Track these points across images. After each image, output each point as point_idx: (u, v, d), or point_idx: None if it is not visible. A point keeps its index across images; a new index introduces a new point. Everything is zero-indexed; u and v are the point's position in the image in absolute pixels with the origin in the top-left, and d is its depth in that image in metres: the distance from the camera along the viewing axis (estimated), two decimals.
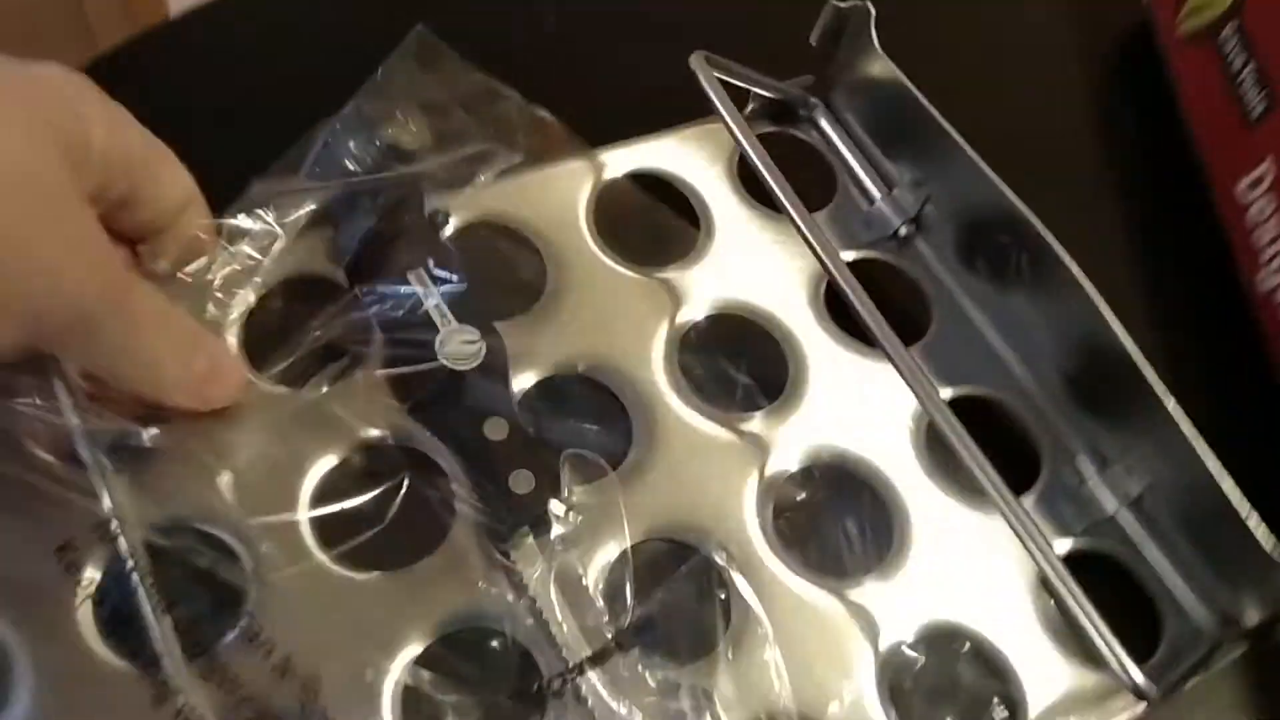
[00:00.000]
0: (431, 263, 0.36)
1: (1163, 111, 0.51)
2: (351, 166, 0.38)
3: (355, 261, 0.37)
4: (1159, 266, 0.48)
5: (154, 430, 0.33)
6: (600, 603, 0.33)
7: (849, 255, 0.43)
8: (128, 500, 0.32)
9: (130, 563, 0.30)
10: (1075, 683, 0.35)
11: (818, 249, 0.38)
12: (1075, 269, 0.38)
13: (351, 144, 0.39)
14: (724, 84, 0.42)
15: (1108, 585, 0.38)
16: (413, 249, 0.37)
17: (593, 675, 0.32)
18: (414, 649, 0.32)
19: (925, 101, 0.42)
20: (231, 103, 0.46)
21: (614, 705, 0.31)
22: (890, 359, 0.36)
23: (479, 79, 0.43)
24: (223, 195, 0.37)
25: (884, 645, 0.35)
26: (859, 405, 0.39)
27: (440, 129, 0.41)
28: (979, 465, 0.35)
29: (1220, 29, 0.47)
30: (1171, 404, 0.36)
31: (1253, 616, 0.36)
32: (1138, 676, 0.34)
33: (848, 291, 0.37)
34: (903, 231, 0.44)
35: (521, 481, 0.33)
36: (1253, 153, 0.44)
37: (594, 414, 0.38)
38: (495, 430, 0.34)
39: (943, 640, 0.36)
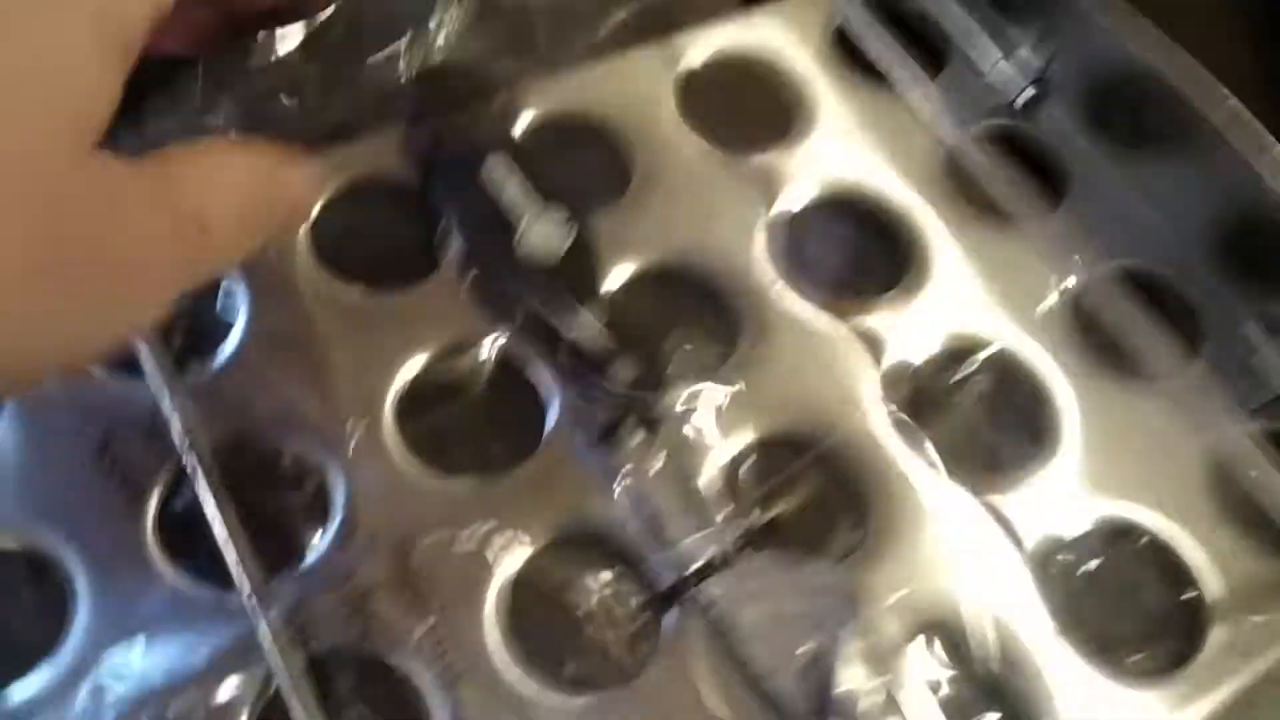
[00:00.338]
0: (507, 153, 0.33)
1: None
2: None
3: (428, 157, 0.34)
4: None
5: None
6: (718, 503, 0.29)
7: (969, 125, 0.39)
8: (199, 409, 0.29)
9: (198, 470, 0.28)
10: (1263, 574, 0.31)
11: (936, 117, 0.33)
12: (1224, 119, 0.33)
13: None
14: None
15: None
16: (488, 140, 0.33)
17: (715, 581, 0.28)
18: (517, 556, 0.29)
19: None
20: None
21: (742, 613, 0.28)
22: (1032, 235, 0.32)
23: None
24: None
25: (1033, 544, 0.31)
26: (988, 285, 0.35)
27: None
28: (1141, 335, 0.31)
29: None
30: None
31: None
32: None
33: (975, 159, 0.33)
34: (1026, 97, 0.39)
35: (624, 370, 0.30)
36: None
37: (694, 309, 0.34)
38: (590, 317, 0.31)
39: (1114, 535, 0.32)
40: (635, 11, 0.38)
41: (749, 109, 0.39)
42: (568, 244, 0.31)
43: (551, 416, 0.31)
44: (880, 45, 0.35)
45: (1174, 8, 0.40)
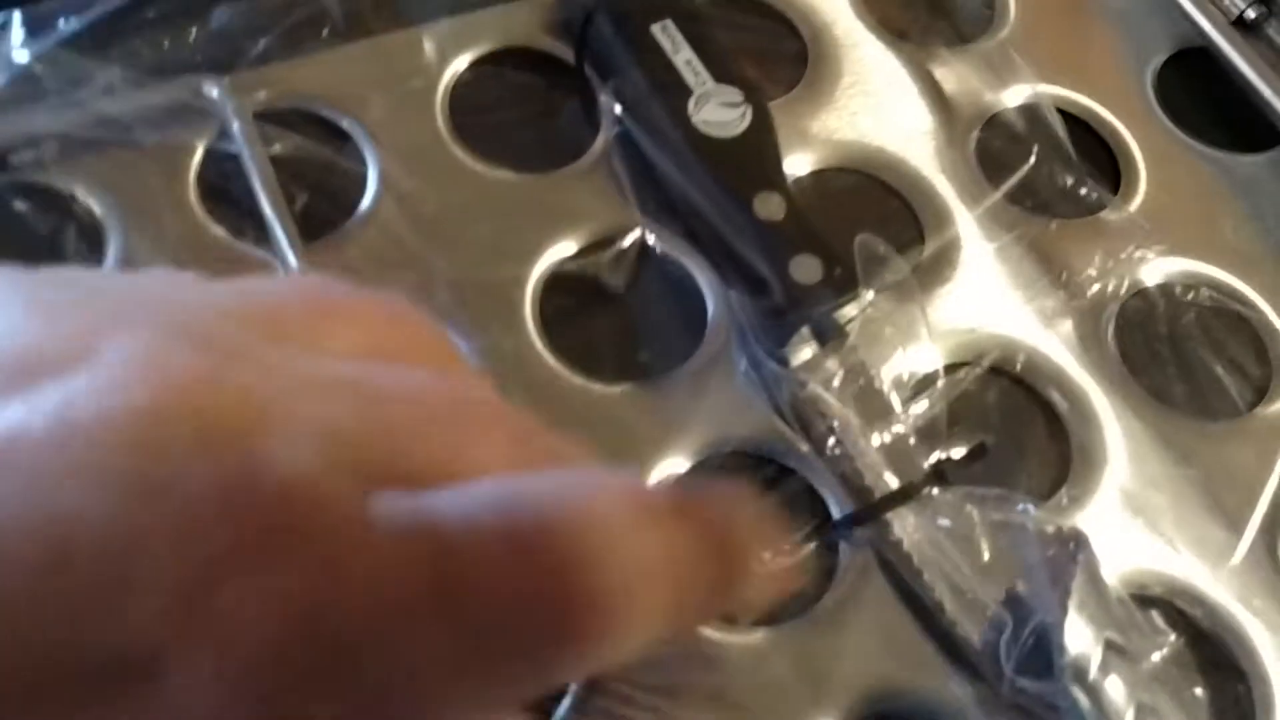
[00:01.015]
0: (668, 25, 0.29)
1: None
2: None
3: (582, 29, 0.30)
4: None
5: None
6: (906, 428, 0.25)
7: (1183, 43, 0.34)
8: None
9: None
10: None
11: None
12: None
13: None
14: None
15: None
16: (649, 10, 0.30)
17: (899, 514, 0.24)
18: (675, 467, 0.25)
19: None
20: None
21: (928, 552, 0.24)
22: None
23: None
24: None
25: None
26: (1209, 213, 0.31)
27: None
28: None
29: None
30: None
31: None
32: None
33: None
34: (1251, 14, 0.34)
35: (805, 269, 0.26)
36: None
37: (877, 209, 0.30)
38: (768, 208, 0.27)
39: None
40: None
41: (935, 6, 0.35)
42: (746, 124, 0.27)
43: (712, 319, 0.27)
44: None
45: None
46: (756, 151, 0.28)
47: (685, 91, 0.28)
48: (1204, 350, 0.29)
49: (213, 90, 0.28)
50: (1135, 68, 0.34)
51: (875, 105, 0.31)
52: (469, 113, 0.30)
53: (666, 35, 0.29)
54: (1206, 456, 0.27)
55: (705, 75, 0.28)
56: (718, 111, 0.28)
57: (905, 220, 0.30)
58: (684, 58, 0.28)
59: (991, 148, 0.32)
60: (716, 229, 0.27)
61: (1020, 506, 0.24)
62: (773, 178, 0.27)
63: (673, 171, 0.28)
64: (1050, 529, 0.23)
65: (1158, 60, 0.34)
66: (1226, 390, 0.28)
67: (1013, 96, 0.32)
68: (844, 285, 0.26)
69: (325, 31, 0.31)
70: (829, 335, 0.26)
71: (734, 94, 0.28)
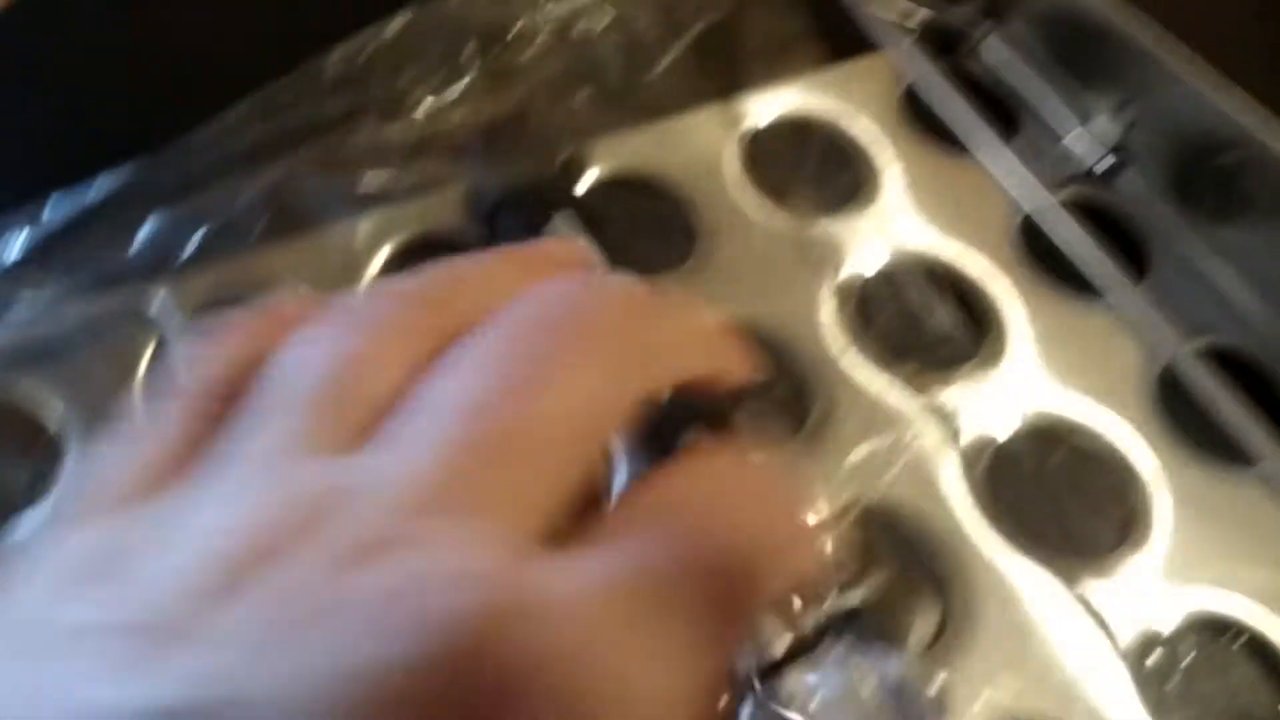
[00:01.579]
0: (568, 215, 0.32)
1: None
2: None
3: (489, 217, 0.33)
4: None
5: None
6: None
7: (1043, 196, 0.38)
8: None
9: None
10: None
11: (1011, 184, 0.32)
12: None
13: None
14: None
15: None
16: (549, 201, 0.32)
17: (791, 672, 0.27)
18: None
19: (1114, 7, 0.36)
20: None
21: (821, 705, 0.26)
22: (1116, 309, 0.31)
23: None
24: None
25: (1127, 638, 0.29)
26: (1069, 360, 0.34)
27: None
28: (1231, 415, 0.29)
29: None
30: None
31: None
32: None
33: (1054, 228, 0.32)
34: (1106, 164, 0.38)
35: (693, 440, 0.28)
36: None
37: (762, 378, 0.33)
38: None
39: (1209, 629, 0.30)
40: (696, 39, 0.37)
41: (815, 172, 0.38)
42: None
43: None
44: (953, 109, 0.34)
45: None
46: None
47: None
48: (1071, 494, 0.32)
49: (153, 301, 0.30)
50: (1008, 218, 0.37)
51: (759, 275, 0.34)
52: None
53: (567, 224, 0.32)
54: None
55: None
56: None
57: (787, 384, 0.33)
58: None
59: (869, 304, 0.35)
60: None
61: (894, 659, 0.26)
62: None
63: None
64: (914, 674, 0.26)
65: (1021, 216, 0.37)
66: (1096, 532, 0.31)
67: (884, 256, 0.36)
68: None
69: (258, 228, 0.33)
70: None
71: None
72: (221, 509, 0.15)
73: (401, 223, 0.34)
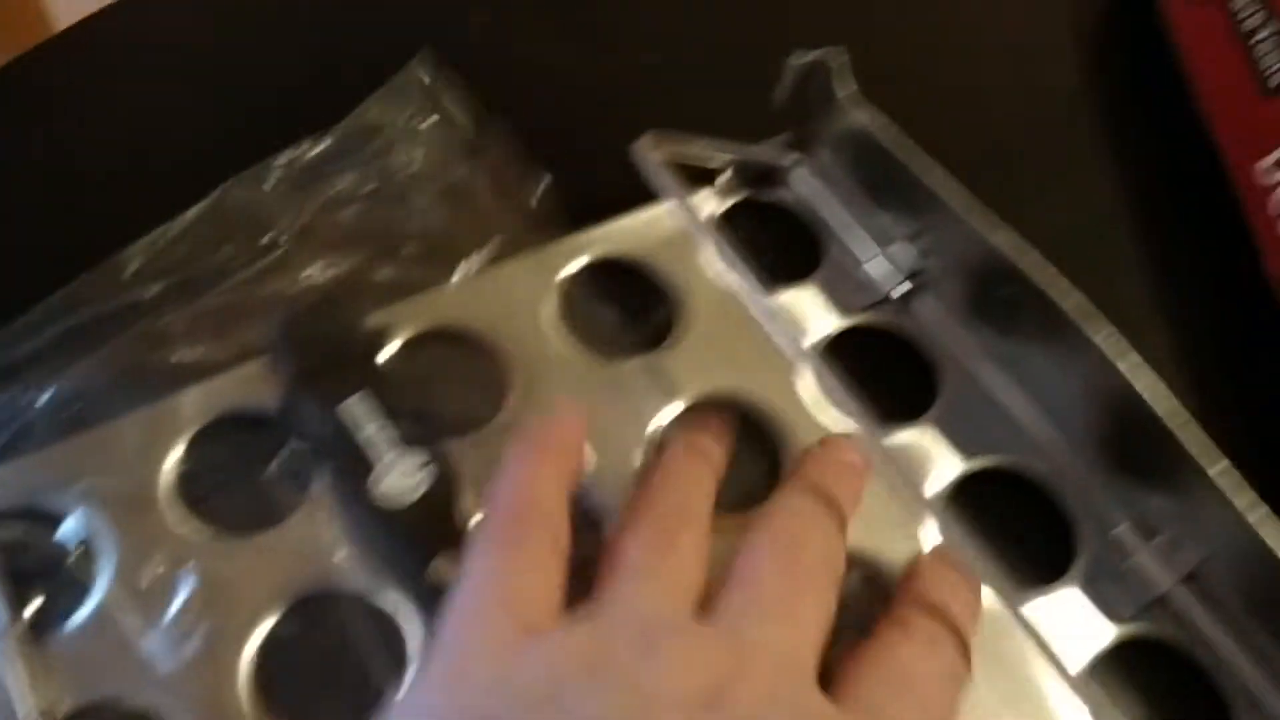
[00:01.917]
0: (365, 391, 0.33)
1: (1168, 85, 0.47)
2: None
3: (288, 401, 0.34)
4: (1174, 261, 0.43)
5: None
6: None
7: (844, 322, 0.40)
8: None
9: None
10: None
11: (776, 333, 0.34)
12: (1083, 324, 0.34)
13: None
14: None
15: (1168, 675, 0.33)
16: (345, 376, 0.34)
17: None
18: None
19: (911, 145, 0.38)
20: (133, 123, 0.44)
21: None
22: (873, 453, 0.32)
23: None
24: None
25: None
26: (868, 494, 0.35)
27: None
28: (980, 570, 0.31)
29: None
30: (1217, 467, 0.32)
31: None
32: None
33: (811, 376, 0.33)
34: (899, 291, 0.40)
35: None
36: (1272, 129, 0.39)
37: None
38: (444, 568, 0.31)
39: None
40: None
41: (624, 316, 0.39)
42: (421, 491, 0.32)
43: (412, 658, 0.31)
44: (724, 259, 0.36)
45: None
46: (433, 513, 0.32)
47: (366, 469, 0.32)
48: None
49: None
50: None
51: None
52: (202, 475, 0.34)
53: (362, 407, 0.33)
54: None
55: (393, 441, 0.32)
56: (397, 479, 0.32)
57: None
58: (370, 430, 0.33)
59: None
60: (407, 591, 0.31)
61: None
62: (449, 536, 0.31)
63: (358, 546, 0.32)
64: None
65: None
66: None
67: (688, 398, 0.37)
68: None
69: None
70: None
71: (416, 460, 0.32)
72: (661, 662, 0.24)
73: (210, 398, 0.35)
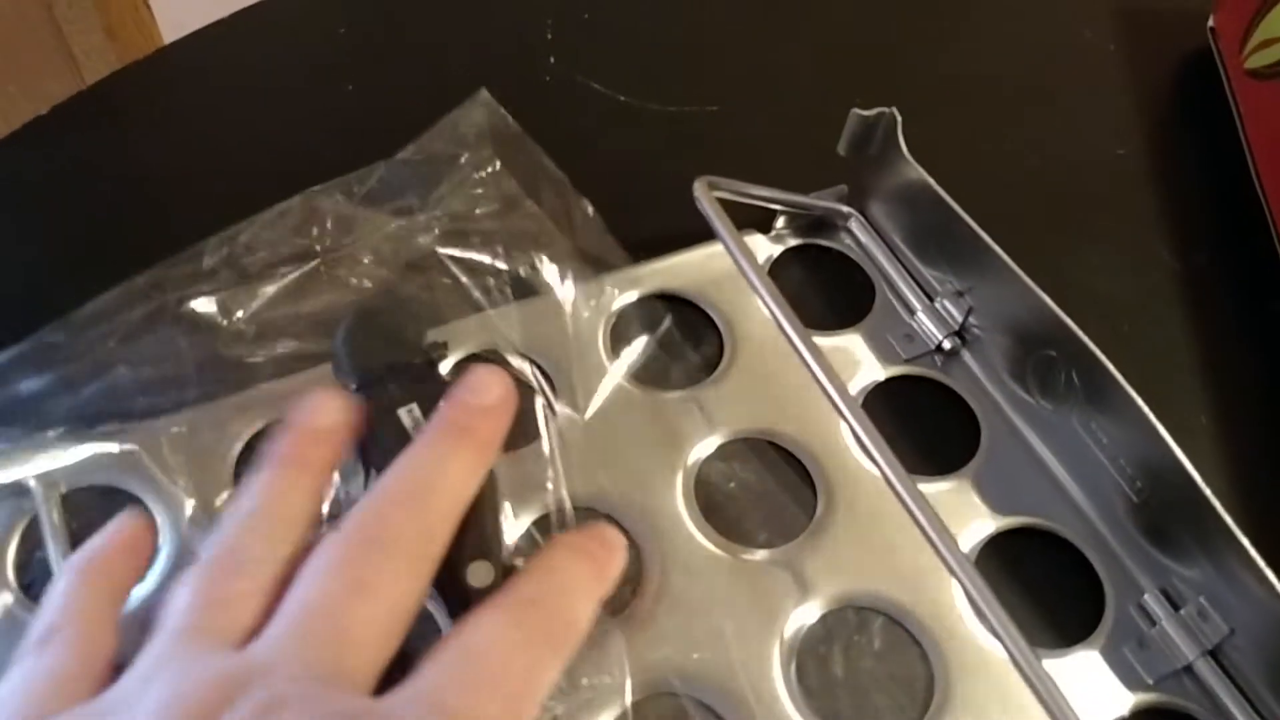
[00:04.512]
0: (426, 400, 0.35)
1: (1228, 157, 0.48)
2: None
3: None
4: (1225, 337, 0.43)
5: None
6: None
7: (890, 371, 0.40)
8: None
9: None
10: None
11: (820, 376, 0.35)
12: (1124, 384, 0.34)
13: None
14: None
15: None
16: (405, 385, 0.35)
17: None
18: None
19: (958, 208, 0.39)
20: (232, 136, 0.46)
21: None
22: (902, 503, 0.33)
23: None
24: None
25: None
26: (892, 538, 0.36)
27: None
28: (1001, 625, 0.31)
29: None
30: (1243, 539, 0.32)
31: None
32: None
33: (852, 423, 0.34)
34: (946, 345, 0.40)
35: (480, 574, 0.31)
36: None
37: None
38: (478, 576, 0.32)
39: None
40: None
41: (673, 349, 0.41)
42: None
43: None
44: (770, 302, 0.36)
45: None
46: (475, 522, 0.33)
47: None
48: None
49: (29, 480, 0.34)
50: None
51: (614, 453, 0.37)
52: None
53: (410, 418, 0.34)
54: None
55: None
56: None
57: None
58: None
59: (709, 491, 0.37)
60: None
61: None
62: (486, 546, 0.33)
63: None
64: None
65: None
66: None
67: (728, 435, 0.38)
68: None
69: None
70: None
71: None
72: (156, 693, 0.23)
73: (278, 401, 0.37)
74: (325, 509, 0.30)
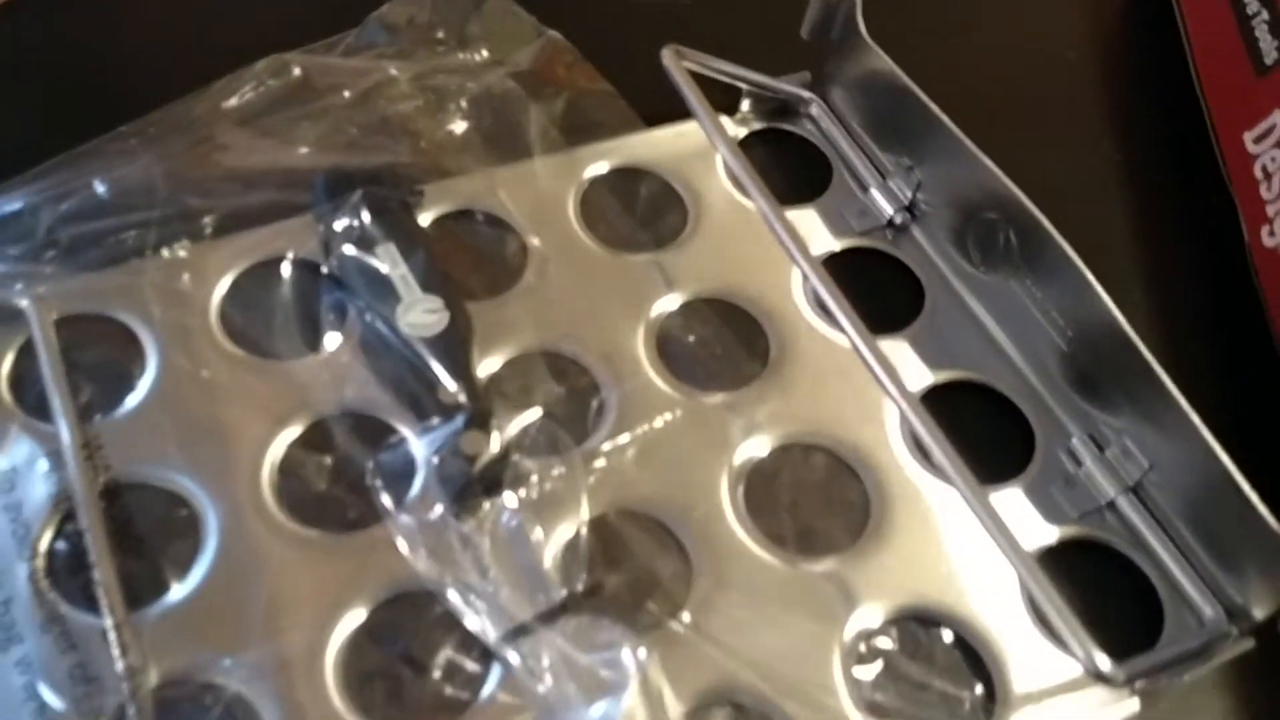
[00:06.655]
0: (402, 239, 0.37)
1: (1170, 58, 0.50)
2: None
3: (327, 241, 0.38)
4: (1159, 223, 0.46)
5: None
6: (552, 572, 0.33)
7: (843, 243, 0.43)
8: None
9: None
10: (1058, 669, 0.33)
11: (786, 241, 0.37)
12: (1062, 242, 0.37)
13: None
14: (712, 80, 0.42)
15: (1108, 575, 0.36)
16: (386, 226, 0.38)
17: (534, 639, 0.31)
18: (355, 615, 0.32)
19: (911, 84, 0.41)
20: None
21: (545, 668, 0.31)
22: (858, 351, 0.35)
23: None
24: None
25: (852, 628, 0.33)
26: (838, 388, 0.38)
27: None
28: (946, 457, 0.34)
29: None
30: (1168, 382, 0.34)
31: (1261, 609, 0.34)
32: (1101, 662, 0.32)
33: (816, 283, 0.36)
34: (898, 220, 0.43)
35: (472, 442, 0.33)
36: (1262, 103, 0.42)
37: (560, 395, 0.37)
38: (449, 395, 0.34)
39: (918, 623, 0.34)
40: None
41: (641, 218, 0.43)
42: (439, 329, 0.35)
43: (418, 481, 0.34)
44: (738, 169, 0.39)
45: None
46: (450, 347, 0.35)
47: (396, 300, 0.36)
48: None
49: (22, 300, 0.36)
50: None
51: (578, 301, 0.39)
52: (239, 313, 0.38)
53: (388, 255, 0.37)
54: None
55: (415, 287, 0.36)
56: (420, 316, 0.35)
57: (583, 402, 0.37)
58: (399, 273, 0.36)
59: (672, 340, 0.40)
60: (419, 404, 0.35)
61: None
62: (460, 370, 0.35)
63: (388, 361, 0.36)
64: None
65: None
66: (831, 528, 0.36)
67: (688, 293, 0.41)
68: (505, 455, 0.33)
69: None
70: (494, 495, 0.33)
71: (434, 302, 0.36)
72: None
73: (256, 244, 0.39)
74: None
